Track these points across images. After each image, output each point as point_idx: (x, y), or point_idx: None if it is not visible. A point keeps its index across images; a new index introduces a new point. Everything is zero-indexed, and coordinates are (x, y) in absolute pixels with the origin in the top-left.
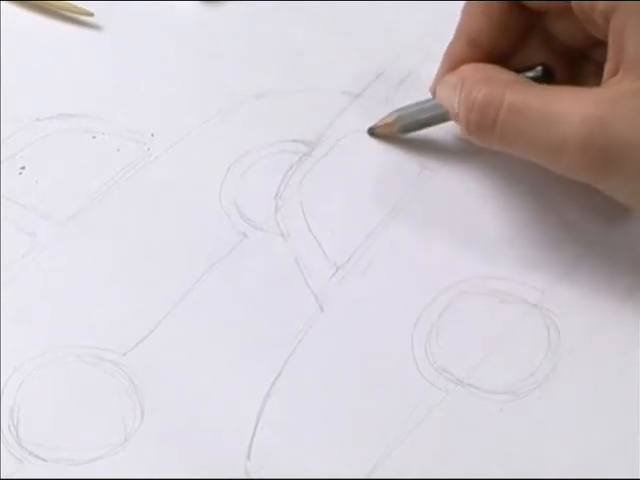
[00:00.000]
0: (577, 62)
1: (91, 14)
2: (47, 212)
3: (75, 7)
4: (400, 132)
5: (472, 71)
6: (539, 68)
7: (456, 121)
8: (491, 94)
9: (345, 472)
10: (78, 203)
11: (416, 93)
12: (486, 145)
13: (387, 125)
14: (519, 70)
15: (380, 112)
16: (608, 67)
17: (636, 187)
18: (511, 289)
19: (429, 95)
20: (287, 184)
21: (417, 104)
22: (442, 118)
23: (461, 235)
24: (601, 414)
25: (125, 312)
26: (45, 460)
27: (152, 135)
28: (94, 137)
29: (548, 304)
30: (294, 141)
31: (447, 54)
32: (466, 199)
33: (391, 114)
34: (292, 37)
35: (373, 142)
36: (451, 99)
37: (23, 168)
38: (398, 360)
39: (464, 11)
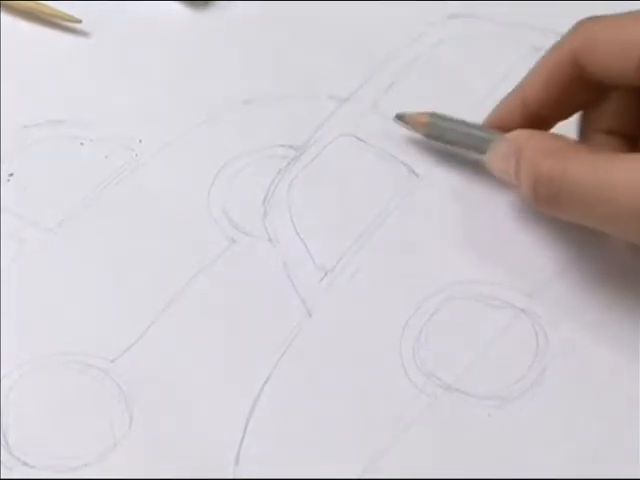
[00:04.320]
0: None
1: (79, 21)
2: (35, 219)
3: (63, 14)
4: (424, 134)
5: (527, 140)
6: None
7: (514, 188)
8: (553, 167)
9: (333, 477)
10: (66, 210)
11: (405, 97)
12: (553, 214)
13: (417, 122)
14: None
15: (368, 116)
16: None
17: None
18: (499, 294)
19: (423, 104)
20: (275, 189)
21: (455, 122)
22: (476, 149)
23: (448, 239)
24: (589, 418)
25: (113, 319)
26: (34, 467)
27: (140, 141)
28: (82, 144)
29: (536, 308)
30: (282, 146)
31: (500, 108)
32: (454, 204)
33: (425, 115)
34: (279, 41)
35: (361, 146)
36: (506, 167)
37: (11, 175)
38: (386, 365)
39: (528, 75)
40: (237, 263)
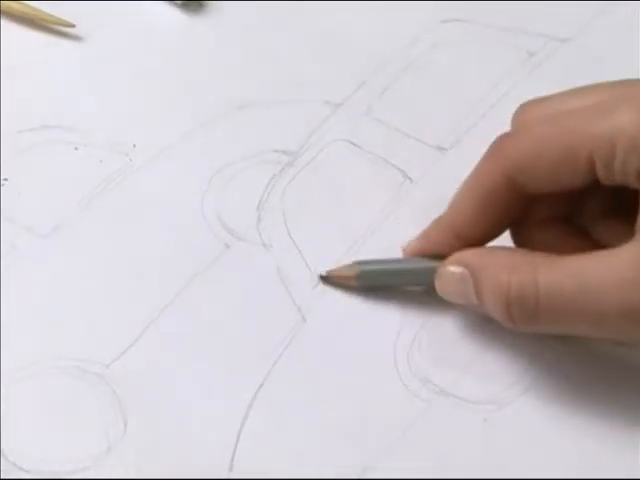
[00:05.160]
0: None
1: (73, 25)
2: (29, 224)
3: (57, 18)
4: (358, 287)
5: (483, 259)
6: None
7: (477, 309)
8: (523, 283)
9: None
10: (60, 215)
11: (399, 102)
12: (530, 331)
13: (346, 278)
14: None
15: (363, 121)
16: (639, 222)
17: None
18: None
19: (411, 112)
20: (269, 194)
21: (384, 262)
22: (410, 282)
23: None
24: (584, 422)
25: (108, 324)
26: (28, 472)
27: (134, 146)
28: (76, 149)
29: None
30: (276, 151)
31: (425, 239)
32: None
33: (352, 266)
34: (274, 47)
35: (355, 151)
36: (460, 291)
37: (5, 180)
38: (381, 371)
39: (451, 204)
40: (231, 268)
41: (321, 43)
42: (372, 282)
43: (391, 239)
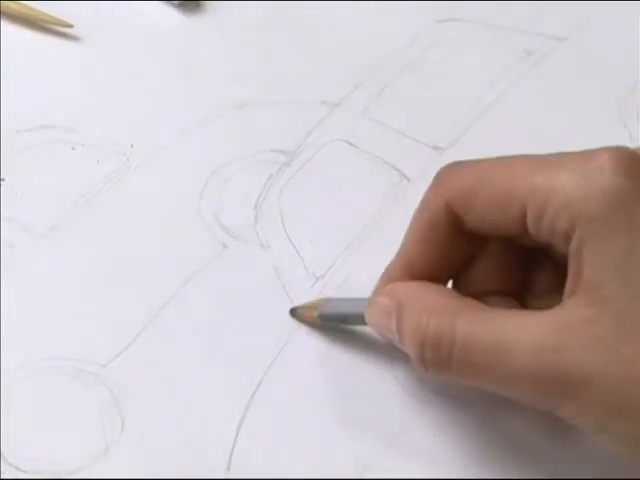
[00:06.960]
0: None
1: (71, 25)
2: (27, 224)
3: (55, 18)
4: (320, 319)
5: (408, 294)
6: None
7: (398, 345)
8: (441, 328)
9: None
10: (58, 215)
11: (395, 102)
12: (441, 378)
13: (309, 308)
14: None
15: (360, 121)
16: (567, 287)
17: (595, 417)
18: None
19: (408, 112)
20: (266, 194)
21: (350, 300)
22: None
23: None
24: None
25: (105, 323)
26: (26, 472)
27: (132, 146)
28: (74, 148)
29: None
30: (273, 151)
31: (383, 276)
32: None
33: (318, 300)
34: (272, 46)
35: (352, 151)
36: (386, 324)
37: (3, 180)
38: (379, 370)
39: (404, 237)
40: (229, 268)
41: (318, 43)
42: (331, 313)
43: (388, 239)
